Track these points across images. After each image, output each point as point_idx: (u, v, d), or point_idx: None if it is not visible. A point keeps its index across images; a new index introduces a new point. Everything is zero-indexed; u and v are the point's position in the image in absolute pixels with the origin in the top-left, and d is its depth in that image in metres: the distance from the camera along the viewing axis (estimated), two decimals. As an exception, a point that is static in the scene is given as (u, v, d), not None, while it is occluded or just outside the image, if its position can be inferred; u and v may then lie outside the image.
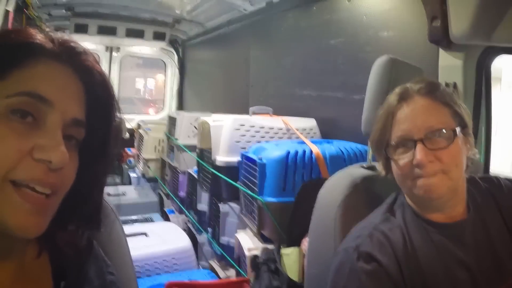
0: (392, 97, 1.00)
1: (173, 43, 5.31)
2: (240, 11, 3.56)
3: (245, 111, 3.33)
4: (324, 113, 2.52)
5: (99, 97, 0.66)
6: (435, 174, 0.91)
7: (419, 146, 0.91)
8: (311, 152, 1.87)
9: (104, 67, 5.26)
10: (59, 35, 0.65)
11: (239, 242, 2.03)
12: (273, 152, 1.83)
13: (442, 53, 1.55)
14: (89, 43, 5.07)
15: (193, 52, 5.23)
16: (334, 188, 1.23)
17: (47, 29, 0.65)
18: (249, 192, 1.89)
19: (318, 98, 2.60)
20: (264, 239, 1.93)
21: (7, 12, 2.33)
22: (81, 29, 4.37)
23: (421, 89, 0.98)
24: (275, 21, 3.12)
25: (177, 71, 5.50)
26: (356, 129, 2.23)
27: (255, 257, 1.77)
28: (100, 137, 0.68)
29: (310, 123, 2.46)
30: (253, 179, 1.89)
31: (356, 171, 1.26)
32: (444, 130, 0.93)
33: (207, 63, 4.79)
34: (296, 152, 1.83)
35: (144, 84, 14.85)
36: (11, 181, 0.56)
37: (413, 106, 0.96)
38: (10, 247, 0.62)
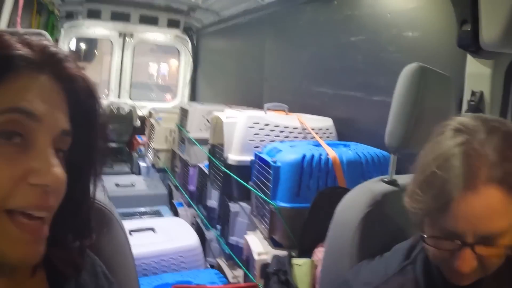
0: (454, 174, 0.70)
1: (188, 30, 5.23)
2: (257, 1, 3.47)
3: (259, 105, 3.27)
4: (340, 113, 2.44)
5: (83, 103, 0.62)
6: (473, 278, 0.74)
7: (466, 252, 0.70)
8: (328, 156, 1.79)
9: (117, 53, 5.22)
10: (36, 39, 0.59)
11: (248, 245, 1.97)
12: (288, 155, 1.76)
13: (470, 59, 1.46)
14: (102, 28, 5.03)
15: (207, 41, 5.15)
16: (353, 204, 1.15)
17: (24, 35, 0.59)
18: (261, 195, 1.82)
19: (335, 96, 2.52)
20: (274, 243, 1.87)
21: (16, -3, 2.26)
22: (94, 14, 4.32)
23: (494, 175, 0.69)
24: (293, 13, 3.03)
25: (190, 59, 5.43)
26: (375, 132, 2.17)
27: (265, 266, 1.71)
28: (86, 144, 0.64)
29: (326, 122, 2.38)
30: (266, 182, 1.82)
31: (376, 186, 1.18)
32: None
33: (221, 53, 4.71)
34: (312, 156, 1.76)
35: (158, 69, 14.83)
36: (6, 210, 0.51)
37: (479, 202, 0.69)
38: None
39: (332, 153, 1.80)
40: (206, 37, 5.13)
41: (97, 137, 0.65)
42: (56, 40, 4.60)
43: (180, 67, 5.61)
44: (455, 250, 0.71)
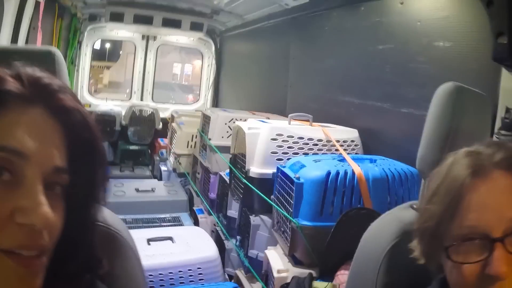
0: (459, 169, 0.69)
1: (211, 33, 5.21)
2: (281, 5, 3.40)
3: (282, 111, 3.21)
4: (366, 124, 2.36)
5: (81, 137, 0.60)
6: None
7: (498, 251, 0.63)
8: (353, 173, 1.72)
9: (140, 55, 5.23)
10: (29, 71, 0.56)
11: (268, 260, 1.92)
12: (312, 171, 1.69)
13: (505, 74, 1.37)
14: (125, 31, 5.04)
15: (230, 44, 5.12)
16: (379, 234, 1.08)
17: (18, 67, 0.56)
18: (283, 211, 1.76)
19: (360, 106, 2.44)
20: (295, 260, 1.81)
21: (37, 3, 2.23)
22: (117, 17, 4.32)
23: (502, 161, 0.68)
24: (318, 19, 2.96)
25: (213, 62, 5.40)
26: (402, 146, 2.10)
27: (285, 286, 1.65)
28: (86, 180, 0.61)
29: (352, 134, 2.30)
30: (288, 198, 1.76)
31: (405, 214, 1.09)
32: None
33: (244, 57, 4.66)
34: (337, 173, 1.69)
35: (182, 69, 14.89)
36: None
37: (492, 187, 0.66)
38: None
39: (357, 170, 1.73)
40: (230, 40, 5.10)
41: (97, 170, 0.62)
42: (79, 42, 4.63)
43: (203, 69, 5.60)
44: (485, 255, 0.64)
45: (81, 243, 0.63)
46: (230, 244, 2.62)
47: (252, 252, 2.18)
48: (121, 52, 12.75)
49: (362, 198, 1.70)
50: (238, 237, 2.43)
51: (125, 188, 3.52)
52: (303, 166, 1.76)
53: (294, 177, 1.68)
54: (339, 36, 2.72)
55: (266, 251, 1.96)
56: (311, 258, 1.68)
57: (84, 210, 0.63)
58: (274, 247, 1.99)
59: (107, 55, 12.44)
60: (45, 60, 0.85)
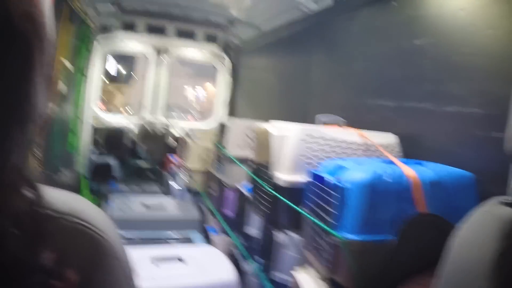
0: None
1: (225, 48, 5.01)
2: (302, 10, 3.18)
3: (304, 122, 2.94)
4: (404, 128, 2.10)
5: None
6: None
7: None
8: (405, 176, 1.41)
9: (152, 70, 5.06)
10: None
11: (298, 285, 1.59)
12: (356, 173, 1.38)
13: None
14: (137, 42, 4.87)
15: (246, 57, 4.93)
16: (476, 240, 0.77)
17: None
18: (321, 224, 1.44)
19: (396, 109, 2.18)
20: (334, 285, 1.48)
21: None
22: (129, 27, 4.14)
23: None
24: (344, 21, 2.75)
25: (228, 77, 5.19)
26: (449, 150, 1.82)
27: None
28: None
29: (389, 139, 2.01)
30: (327, 207, 1.44)
31: (501, 211, 0.78)
32: None
33: (261, 69, 4.45)
34: (388, 176, 1.38)
35: (193, 92, 14.80)
36: None
37: None
38: None
39: (410, 173, 1.42)
40: (245, 53, 4.91)
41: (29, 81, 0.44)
42: (89, 52, 4.45)
43: (217, 85, 5.36)
44: None
45: None
46: (250, 266, 2.30)
47: (277, 275, 1.86)
48: (133, 74, 12.68)
49: (417, 206, 1.39)
50: (259, 258, 2.12)
51: (132, 203, 3.23)
52: (344, 168, 1.45)
53: (337, 181, 1.37)
54: (369, 36, 2.51)
55: (294, 273, 1.64)
56: (357, 281, 1.35)
57: None
58: (305, 268, 1.67)
59: (119, 77, 12.36)
60: None
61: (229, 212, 2.68)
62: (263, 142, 2.08)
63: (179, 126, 5.02)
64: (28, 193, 0.47)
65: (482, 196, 1.54)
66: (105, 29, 4.57)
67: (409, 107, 2.09)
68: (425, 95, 1.97)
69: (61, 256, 0.49)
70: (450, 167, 1.57)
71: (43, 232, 0.49)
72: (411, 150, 2.02)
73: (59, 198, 0.58)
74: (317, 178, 1.54)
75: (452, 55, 1.82)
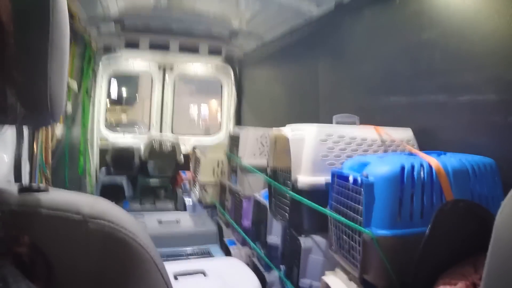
0: None
1: (229, 60, 5.00)
2: (304, 16, 3.17)
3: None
4: (418, 122, 2.06)
5: None
6: None
7: None
8: (430, 166, 1.37)
9: (157, 87, 5.07)
10: None
11: (328, 288, 1.54)
12: (381, 167, 1.34)
13: None
14: (141, 60, 4.87)
15: (251, 68, 4.91)
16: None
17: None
18: (349, 222, 1.40)
19: (409, 105, 2.15)
20: (366, 285, 1.43)
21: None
22: (132, 45, 4.13)
23: None
24: (348, 22, 2.72)
25: (234, 90, 5.18)
26: (465, 139, 1.78)
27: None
28: None
29: (405, 133, 1.97)
30: (353, 204, 1.40)
31: None
32: None
33: (267, 78, 4.42)
34: (412, 167, 1.34)
35: (198, 110, 14.82)
36: None
37: None
38: None
39: (434, 162, 1.38)
40: (249, 64, 4.89)
41: None
42: (94, 73, 4.46)
43: (223, 100, 5.35)
44: None
45: None
46: (272, 277, 2.24)
47: (304, 282, 1.80)
48: (137, 96, 12.74)
49: (444, 195, 1.35)
50: (282, 266, 2.06)
51: (146, 219, 3.18)
52: (367, 163, 1.41)
53: (362, 176, 1.33)
54: (374, 35, 2.47)
55: (324, 278, 1.59)
56: (391, 279, 1.30)
57: None
58: (334, 271, 1.62)
59: (123, 100, 12.41)
60: None
61: (247, 222, 2.63)
62: (279, 147, 2.05)
63: (187, 142, 5.00)
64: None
65: (503, 182, 1.52)
66: (108, 49, 4.58)
67: (421, 100, 2.05)
68: (436, 87, 1.94)
69: (94, 260, 0.49)
70: (472, 155, 1.53)
71: (73, 237, 0.49)
72: (425, 143, 1.99)
73: (86, 202, 0.56)
74: (341, 177, 1.50)
75: (461, 45, 1.78)
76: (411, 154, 1.53)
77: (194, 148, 4.05)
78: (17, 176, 0.60)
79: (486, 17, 1.66)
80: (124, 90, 12.11)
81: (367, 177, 1.32)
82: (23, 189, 0.55)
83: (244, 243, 2.71)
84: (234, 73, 5.16)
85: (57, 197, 0.56)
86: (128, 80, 11.84)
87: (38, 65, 0.53)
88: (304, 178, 1.73)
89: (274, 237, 2.18)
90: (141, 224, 3.03)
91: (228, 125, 5.29)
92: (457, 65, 1.82)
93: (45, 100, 0.57)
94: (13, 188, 0.55)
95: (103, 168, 4.73)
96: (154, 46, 4.24)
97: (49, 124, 0.63)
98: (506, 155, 1.54)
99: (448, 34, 1.87)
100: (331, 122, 2.00)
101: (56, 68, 0.59)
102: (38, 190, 0.55)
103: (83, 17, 3.49)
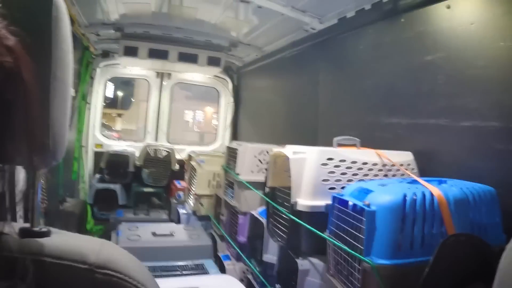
0: None
1: (228, 70, 5.00)
2: (307, 30, 3.18)
3: (313, 143, 2.88)
4: (419, 145, 2.07)
5: None
6: None
7: None
8: (431, 195, 1.37)
9: (154, 94, 5.04)
10: None
11: (325, 313, 1.54)
12: (384, 195, 1.34)
13: None
14: (139, 68, 4.86)
15: (249, 79, 4.91)
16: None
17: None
18: (350, 250, 1.39)
19: (410, 126, 2.16)
20: (363, 313, 1.42)
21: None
22: (131, 52, 4.10)
23: None
24: (351, 38, 2.73)
25: (231, 100, 5.17)
26: (466, 165, 1.78)
27: None
28: None
29: (406, 157, 1.97)
30: (353, 232, 1.40)
31: None
32: None
33: (265, 90, 4.42)
34: (415, 196, 1.34)
35: (193, 116, 14.81)
36: None
37: None
38: None
39: (436, 191, 1.38)
40: (248, 75, 4.89)
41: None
42: (92, 78, 4.45)
43: (220, 109, 5.36)
44: None
45: None
46: (267, 294, 2.23)
47: (300, 303, 1.79)
48: (133, 100, 12.70)
49: (445, 225, 1.35)
50: (278, 285, 2.05)
51: (140, 231, 3.14)
52: (369, 191, 1.41)
53: (364, 205, 1.33)
54: (378, 52, 2.48)
55: (320, 302, 1.59)
56: (390, 308, 1.30)
57: None
58: (331, 296, 1.61)
59: (118, 103, 12.37)
60: (40, 2, 0.56)
61: (242, 238, 2.61)
62: (279, 166, 2.04)
63: (182, 150, 4.97)
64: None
65: (503, 209, 1.52)
66: (106, 54, 4.57)
67: (423, 123, 2.07)
68: (438, 110, 1.96)
69: None
70: (472, 183, 1.54)
71: None
72: (426, 167, 1.99)
73: (92, 249, 0.54)
74: (341, 202, 1.50)
75: (466, 69, 1.81)
76: (413, 181, 1.53)
77: (189, 156, 4.03)
78: (13, 216, 0.58)
79: (491, 43, 1.68)
80: (119, 93, 12.05)
81: (369, 206, 1.32)
82: (25, 234, 0.53)
83: (238, 258, 2.69)
84: (232, 83, 5.16)
85: (61, 243, 0.54)
86: (124, 82, 11.78)
87: (39, 102, 0.50)
88: (304, 201, 1.73)
89: (270, 256, 2.16)
90: (137, 239, 3.00)
91: (224, 135, 5.27)
92: (460, 89, 1.84)
93: (46, 141, 0.55)
94: (14, 229, 0.53)
95: (98, 174, 4.69)
96: (152, 54, 4.22)
97: (51, 166, 0.60)
98: (507, 182, 1.54)
99: (452, 58, 1.89)
100: (330, 138, 2.00)
101: (59, 104, 0.57)
102: (41, 234, 0.53)
103: (82, 21, 3.47)
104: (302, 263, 1.78)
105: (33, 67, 0.46)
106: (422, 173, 1.97)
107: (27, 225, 0.55)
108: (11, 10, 0.45)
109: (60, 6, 0.58)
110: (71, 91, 0.63)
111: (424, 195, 1.36)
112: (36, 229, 0.54)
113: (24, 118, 0.46)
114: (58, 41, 0.57)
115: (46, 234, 0.54)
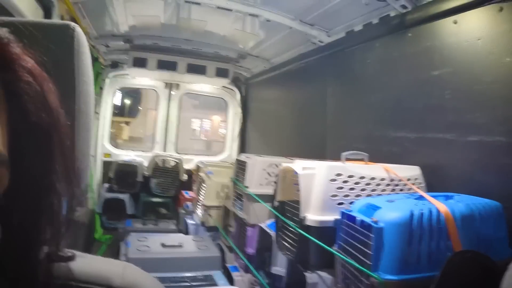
0: None
1: (236, 81, 5.05)
2: (315, 43, 3.22)
3: (322, 156, 2.91)
4: (426, 159, 2.08)
5: (30, 114, 0.43)
6: None
7: None
8: (438, 212, 1.40)
9: (163, 104, 5.07)
10: None
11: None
12: (391, 212, 1.37)
13: None
14: (148, 78, 4.91)
15: (257, 90, 4.94)
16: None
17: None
18: (358, 266, 1.42)
19: (417, 141, 2.17)
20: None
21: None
22: (140, 63, 4.16)
23: None
24: (358, 52, 2.76)
25: (239, 111, 5.21)
26: (473, 180, 1.79)
27: None
28: (34, 184, 0.45)
29: (413, 171, 1.99)
30: (361, 247, 1.42)
31: None
32: None
33: (273, 102, 4.45)
34: (422, 213, 1.37)
35: (200, 125, 14.87)
36: None
37: None
38: None
39: (443, 208, 1.41)
40: (256, 86, 4.92)
41: (52, 169, 0.45)
42: (101, 88, 4.49)
43: (228, 119, 5.39)
44: None
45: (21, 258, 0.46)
46: (276, 306, 2.25)
47: (308, 317, 1.81)
48: (140, 108, 12.78)
49: (451, 241, 1.37)
50: (286, 298, 2.07)
51: (150, 242, 3.16)
52: (377, 208, 1.44)
53: (372, 221, 1.36)
54: (385, 67, 2.51)
55: (329, 316, 1.61)
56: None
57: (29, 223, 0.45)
58: (339, 310, 1.63)
59: (126, 111, 12.45)
60: (62, 37, 0.59)
61: (251, 249, 2.63)
62: (288, 181, 2.07)
63: (190, 160, 5.01)
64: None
65: (509, 223, 1.54)
66: (116, 65, 4.63)
67: (430, 138, 2.08)
68: (446, 125, 1.97)
69: None
70: (478, 198, 1.56)
71: None
72: (433, 182, 2.01)
73: (116, 273, 0.56)
74: (350, 218, 1.53)
75: (473, 85, 1.82)
76: (420, 197, 1.55)
77: (198, 167, 4.05)
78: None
79: (498, 58, 1.70)
80: (126, 101, 12.12)
81: (377, 222, 1.35)
82: (50, 259, 0.53)
83: (247, 270, 2.71)
84: (240, 94, 5.20)
85: (86, 266, 0.56)
86: (131, 90, 11.88)
87: (69, 136, 0.50)
88: (313, 216, 1.75)
89: (279, 268, 2.18)
90: (146, 250, 3.02)
91: (232, 146, 5.30)
92: (467, 105, 1.85)
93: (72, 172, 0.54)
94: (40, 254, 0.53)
95: (106, 184, 4.73)
96: (161, 65, 4.27)
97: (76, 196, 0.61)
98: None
99: (459, 73, 1.91)
100: (338, 151, 2.02)
101: (84, 138, 0.59)
102: (67, 259, 0.54)
103: (92, 33, 3.53)
104: (311, 277, 1.80)
105: (59, 99, 0.47)
106: (429, 187, 2.00)
107: (53, 248, 0.55)
108: (35, 47, 0.47)
109: (81, 40, 0.61)
110: (93, 127, 0.65)
111: (430, 212, 1.38)
112: (61, 254, 0.54)
113: (59, 151, 0.47)
114: (80, 74, 0.59)
115: (71, 258, 0.55)
